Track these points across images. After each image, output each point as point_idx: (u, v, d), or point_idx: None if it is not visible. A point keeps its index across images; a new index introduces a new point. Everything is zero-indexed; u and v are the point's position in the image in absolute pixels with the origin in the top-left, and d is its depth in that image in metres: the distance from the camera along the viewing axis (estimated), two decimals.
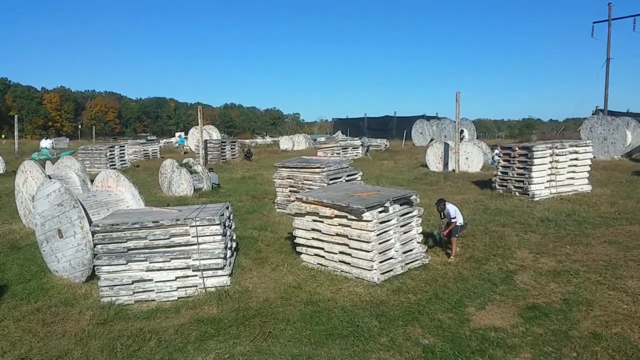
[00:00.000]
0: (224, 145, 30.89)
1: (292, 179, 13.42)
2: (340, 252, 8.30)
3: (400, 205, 8.56)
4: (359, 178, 13.59)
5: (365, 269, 7.92)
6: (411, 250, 8.67)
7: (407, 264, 8.42)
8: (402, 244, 8.46)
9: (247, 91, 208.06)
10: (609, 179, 17.07)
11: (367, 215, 7.77)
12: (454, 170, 20.57)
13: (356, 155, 29.49)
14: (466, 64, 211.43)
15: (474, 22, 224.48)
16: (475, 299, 7.18)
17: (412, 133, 40.77)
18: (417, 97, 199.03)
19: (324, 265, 8.60)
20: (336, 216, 8.26)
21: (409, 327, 6.38)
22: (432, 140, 36.38)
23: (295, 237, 9.14)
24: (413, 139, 40.55)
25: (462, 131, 39.47)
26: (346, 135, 40.26)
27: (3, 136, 61.77)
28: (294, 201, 9.26)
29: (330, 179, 12.55)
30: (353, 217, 7.95)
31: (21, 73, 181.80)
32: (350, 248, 8.10)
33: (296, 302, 7.32)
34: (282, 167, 13.88)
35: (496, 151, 19.92)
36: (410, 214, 8.70)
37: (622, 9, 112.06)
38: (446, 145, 21.89)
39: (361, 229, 7.89)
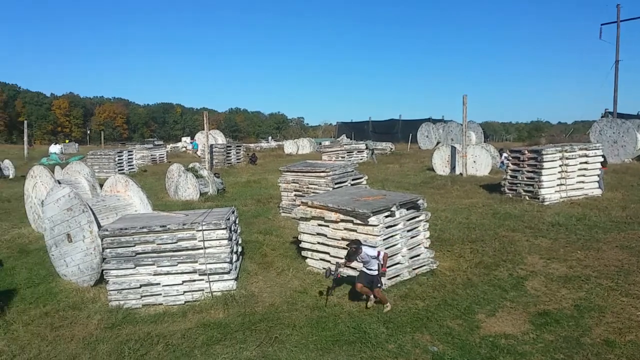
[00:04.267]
0: (229, 150, 30.92)
1: (297, 183, 13.36)
2: None
3: (407, 209, 8.47)
4: (365, 182, 13.51)
5: None
6: (418, 255, 8.56)
7: (414, 269, 8.32)
8: (409, 249, 8.36)
9: (252, 96, 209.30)
10: (619, 183, 16.84)
11: (373, 219, 7.69)
12: (461, 174, 20.39)
13: (361, 159, 29.34)
14: (473, 67, 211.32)
15: (481, 25, 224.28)
16: (485, 306, 7.07)
17: (418, 136, 40.65)
18: (423, 101, 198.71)
19: None
20: (342, 220, 8.18)
21: (417, 334, 6.28)
22: (438, 143, 36.24)
23: (300, 241, 9.07)
24: (419, 143, 40.43)
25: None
26: (350, 139, 40.19)
27: None
28: (299, 205, 9.20)
29: (336, 183, 12.48)
30: (359, 222, 7.88)
31: (31, 79, 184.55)
32: None
33: (302, 307, 7.25)
34: (287, 171, 13.83)
35: (504, 154, 19.78)
36: (417, 219, 8.60)
37: (631, 10, 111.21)
38: (453, 149, 21.71)
39: (367, 234, 7.80)
